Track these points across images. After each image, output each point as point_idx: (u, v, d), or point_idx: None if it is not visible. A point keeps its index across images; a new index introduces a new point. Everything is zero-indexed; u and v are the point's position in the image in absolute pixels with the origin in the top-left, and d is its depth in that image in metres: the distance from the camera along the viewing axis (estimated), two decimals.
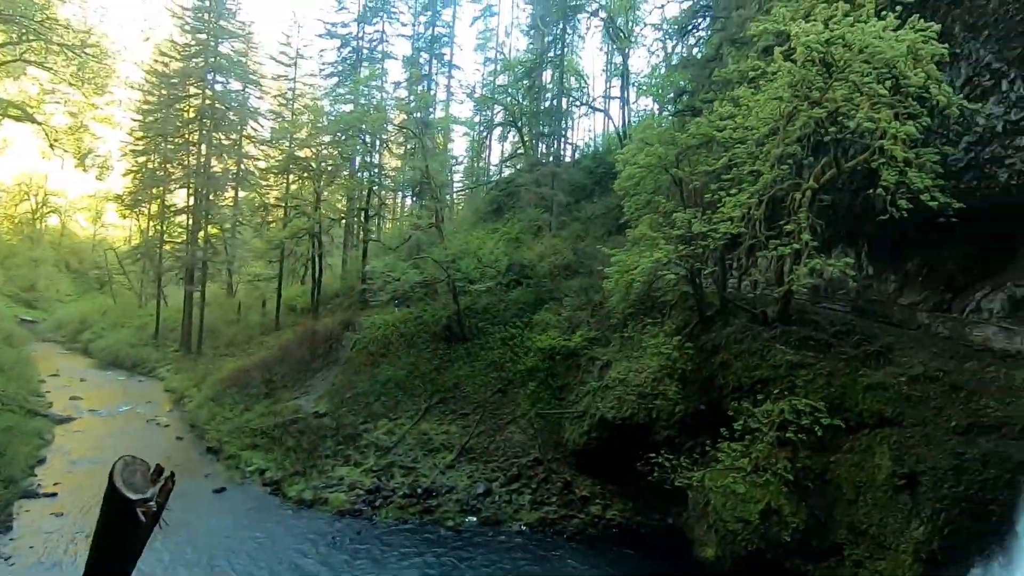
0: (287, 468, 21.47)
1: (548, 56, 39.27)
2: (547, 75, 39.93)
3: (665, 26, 33.90)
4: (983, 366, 14.51)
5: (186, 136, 45.32)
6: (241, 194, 47.64)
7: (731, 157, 16.40)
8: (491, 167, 49.37)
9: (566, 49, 39.46)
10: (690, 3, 29.20)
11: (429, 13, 48.26)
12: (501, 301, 28.02)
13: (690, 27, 26.13)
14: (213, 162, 44.84)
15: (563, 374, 23.72)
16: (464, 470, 20.99)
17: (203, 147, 43.96)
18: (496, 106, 42.97)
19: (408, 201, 49.87)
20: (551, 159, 38.38)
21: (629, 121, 34.60)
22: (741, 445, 15.09)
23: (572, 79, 40.71)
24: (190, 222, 43.56)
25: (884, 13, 13.36)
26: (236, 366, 32.75)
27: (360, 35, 47.27)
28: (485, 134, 48.50)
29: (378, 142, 39.41)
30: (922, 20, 13.33)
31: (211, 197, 43.73)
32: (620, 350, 21.65)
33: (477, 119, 48.01)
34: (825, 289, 19.39)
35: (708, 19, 25.73)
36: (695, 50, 28.01)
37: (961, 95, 13.72)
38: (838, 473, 14.43)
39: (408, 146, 39.23)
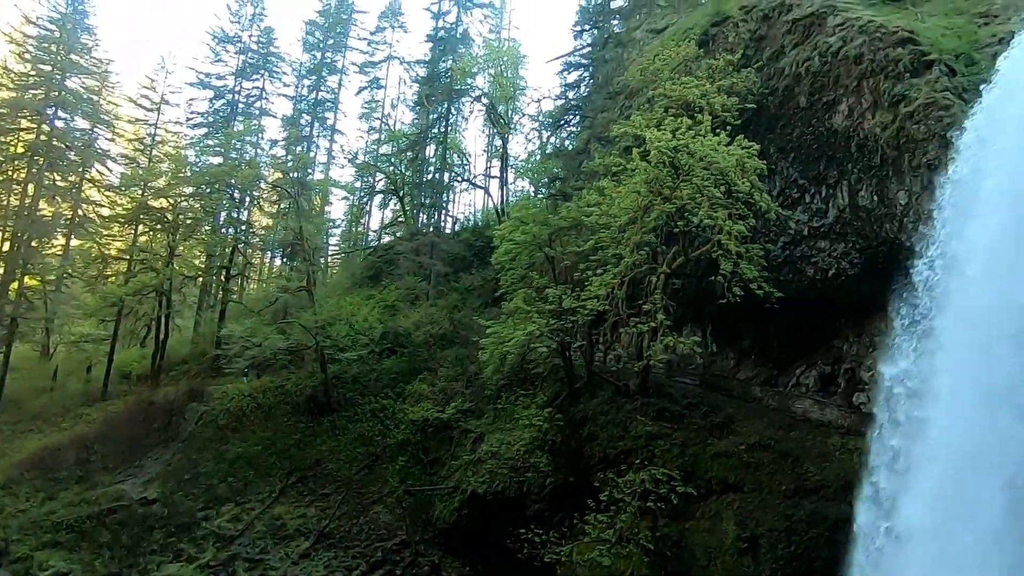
0: (98, 570, 17.91)
1: (432, 132, 40.75)
2: (431, 149, 41.25)
3: (541, 118, 37.19)
4: (803, 434, 16.59)
5: (9, 173, 39.37)
6: (75, 242, 41.81)
7: (597, 240, 17.88)
8: (370, 233, 48.78)
9: (450, 127, 41.35)
10: (563, 102, 32.54)
11: (314, 77, 48.19)
12: (373, 370, 26.92)
13: (562, 122, 28.93)
14: (42, 204, 39.16)
15: (435, 448, 22.97)
16: (321, 559, 19.02)
17: (30, 187, 38.39)
18: (378, 174, 43.22)
19: (277, 262, 47.20)
20: (431, 229, 38.94)
21: (507, 199, 36.57)
22: (607, 516, 15.49)
23: (455, 156, 42.46)
24: (2, 271, 37.01)
25: (718, 131, 15.88)
26: (42, 444, 27.29)
27: (237, 89, 45.64)
28: (366, 200, 48.19)
29: (248, 198, 37.32)
30: (746, 139, 16.02)
31: (33, 244, 37.82)
32: (493, 422, 21.64)
33: (358, 184, 47.74)
34: (678, 364, 21.23)
35: (578, 116, 28.72)
36: (567, 142, 30.93)
37: (777, 203, 16.45)
38: (692, 539, 15.28)
39: (282, 205, 37.61)
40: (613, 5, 34.54)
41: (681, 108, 17.87)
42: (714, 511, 15.49)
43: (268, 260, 49.66)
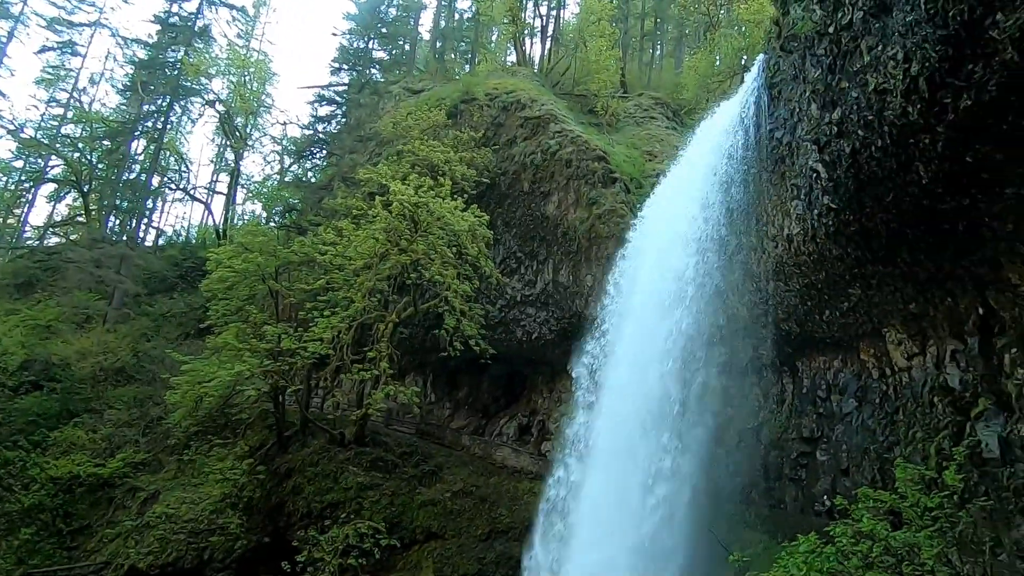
0: None
1: (146, 126, 34.38)
2: (139, 145, 34.58)
3: (285, 143, 34.85)
4: (501, 480, 18.28)
5: None
6: None
7: (329, 280, 17.23)
8: (26, 229, 37.55)
9: (170, 127, 35.48)
10: (311, 132, 31.20)
11: None
12: (1, 410, 20.15)
13: (307, 153, 27.63)
14: None
15: (84, 513, 18.05)
16: None
17: None
18: (54, 157, 34.00)
19: None
20: (124, 239, 32.06)
21: (232, 221, 32.65)
22: None
23: (172, 159, 36.37)
24: None
25: (456, 196, 17.27)
26: None
27: None
28: (29, 186, 37.23)
29: None
30: (479, 209, 17.77)
31: None
32: (175, 477, 18.20)
33: (18, 164, 36.69)
34: (398, 412, 21.45)
35: (325, 151, 27.82)
36: (310, 174, 29.50)
37: (499, 270, 18.48)
38: None
39: None
40: (375, 55, 35.26)
41: (426, 168, 18.94)
42: (415, 561, 15.70)
43: None
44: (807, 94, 7.06)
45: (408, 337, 20.35)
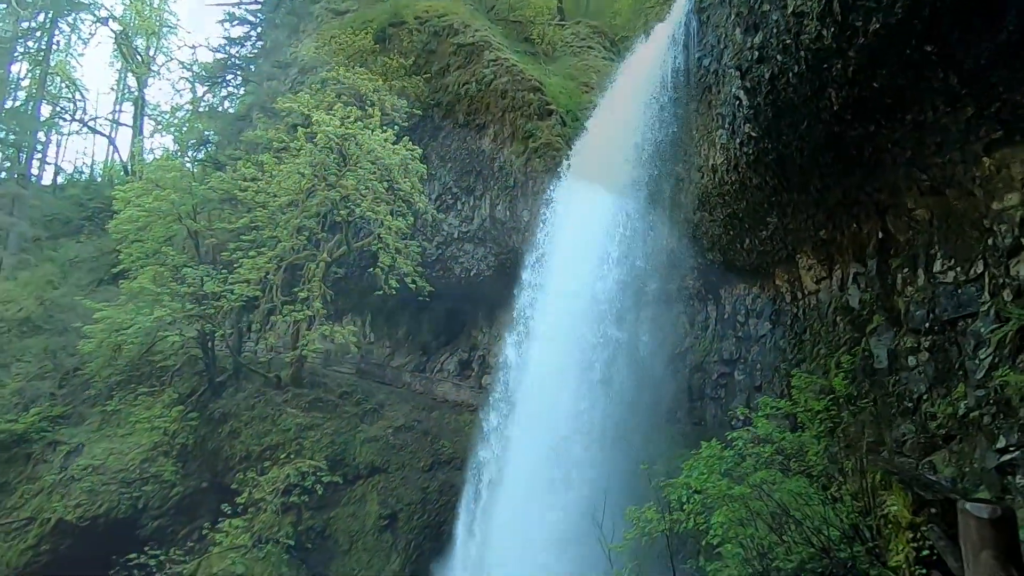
0: None
1: (27, 46, 30.26)
2: (19, 68, 30.52)
3: (196, 69, 31.60)
4: (443, 414, 18.67)
5: None
6: None
7: (252, 219, 16.28)
8: None
9: (58, 49, 31.35)
10: (224, 56, 28.39)
11: None
12: None
13: (221, 80, 25.23)
14: None
15: (1, 471, 17.11)
16: None
17: None
18: None
19: None
20: (15, 176, 28.81)
21: (141, 156, 29.83)
22: (244, 520, 14.27)
23: (63, 86, 32.39)
24: None
25: (386, 128, 16.41)
26: None
27: None
28: None
29: None
30: (411, 142, 17.03)
31: None
32: (99, 429, 17.42)
33: None
34: (336, 353, 21.16)
35: (240, 78, 25.51)
36: (226, 103, 27.14)
37: (435, 206, 18.02)
38: (336, 527, 15.44)
39: None
40: None
41: (353, 98, 17.78)
42: (360, 495, 16.00)
43: None
44: (732, 17, 7.05)
45: (343, 277, 19.79)
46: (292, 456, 15.78)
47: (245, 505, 14.46)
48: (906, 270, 6.65)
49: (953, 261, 6.21)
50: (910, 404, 6.36)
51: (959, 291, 6.10)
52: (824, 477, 6.10)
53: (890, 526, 5.01)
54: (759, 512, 5.86)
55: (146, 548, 14.26)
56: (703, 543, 6.51)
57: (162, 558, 14.01)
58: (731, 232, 9.22)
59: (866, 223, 7.21)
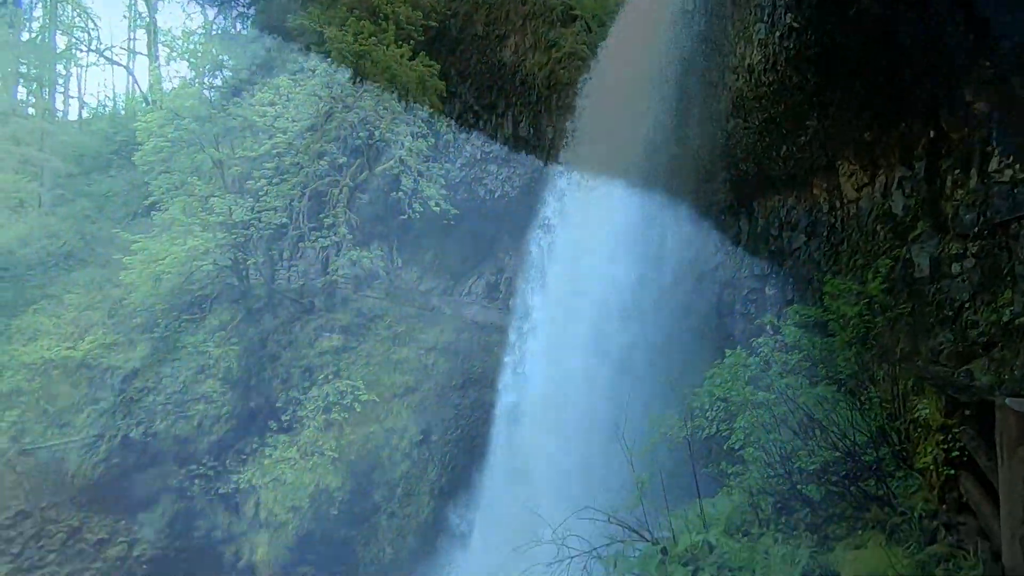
0: None
1: None
2: None
3: None
4: (472, 335, 19.06)
5: None
6: None
7: (273, 145, 16.13)
8: None
9: None
10: None
11: None
12: None
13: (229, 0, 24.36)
14: None
15: (66, 394, 18.46)
16: None
17: None
18: None
19: None
20: (44, 112, 28.98)
21: (160, 85, 29.45)
22: (289, 436, 15.23)
23: (75, 15, 31.69)
24: None
25: (400, 43, 15.65)
26: None
27: None
28: None
29: None
30: (428, 58, 16.26)
31: None
32: (151, 354, 18.47)
33: None
34: (365, 278, 21.51)
35: None
36: (238, 24, 26.25)
37: (456, 126, 17.47)
38: (375, 442, 16.35)
39: None
40: None
41: (366, 12, 16.89)
42: (396, 411, 16.79)
43: None
44: None
45: (368, 203, 19.71)
46: (330, 377, 16.51)
47: (290, 422, 15.36)
48: (957, 171, 6.16)
49: (1012, 158, 5.71)
50: (950, 312, 6.11)
51: (1015, 190, 5.66)
52: (853, 382, 6.03)
53: (919, 429, 4.97)
54: (783, 418, 5.88)
55: (203, 461, 15.45)
56: (724, 447, 6.64)
57: (219, 469, 15.19)
58: (767, 139, 8.66)
59: (916, 122, 6.64)
